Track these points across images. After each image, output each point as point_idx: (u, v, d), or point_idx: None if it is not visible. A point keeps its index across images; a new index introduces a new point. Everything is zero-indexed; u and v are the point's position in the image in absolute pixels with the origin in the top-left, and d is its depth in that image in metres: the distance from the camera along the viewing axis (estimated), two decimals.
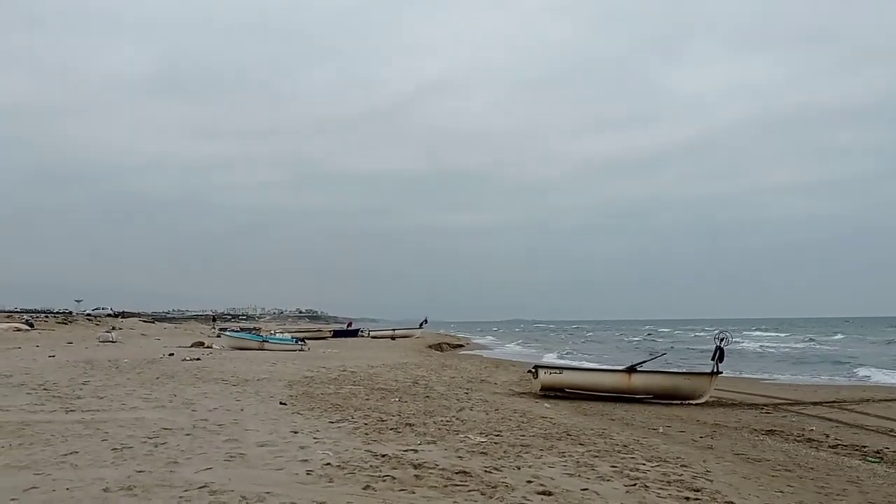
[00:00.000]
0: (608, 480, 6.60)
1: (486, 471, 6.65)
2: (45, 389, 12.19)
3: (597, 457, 7.84)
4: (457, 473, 6.43)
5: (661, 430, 11.05)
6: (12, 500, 5.17)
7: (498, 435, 9.00)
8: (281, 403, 11.31)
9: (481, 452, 7.65)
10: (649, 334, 76.89)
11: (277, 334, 44.08)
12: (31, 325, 53.23)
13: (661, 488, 6.39)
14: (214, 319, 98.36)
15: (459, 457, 7.31)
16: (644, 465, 7.55)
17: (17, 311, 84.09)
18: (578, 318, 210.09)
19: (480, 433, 9.03)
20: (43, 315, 79.75)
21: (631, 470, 7.17)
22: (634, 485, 6.45)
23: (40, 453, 6.83)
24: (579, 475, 6.75)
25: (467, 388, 15.25)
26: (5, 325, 48.82)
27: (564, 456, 7.76)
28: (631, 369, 16.09)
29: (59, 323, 65.69)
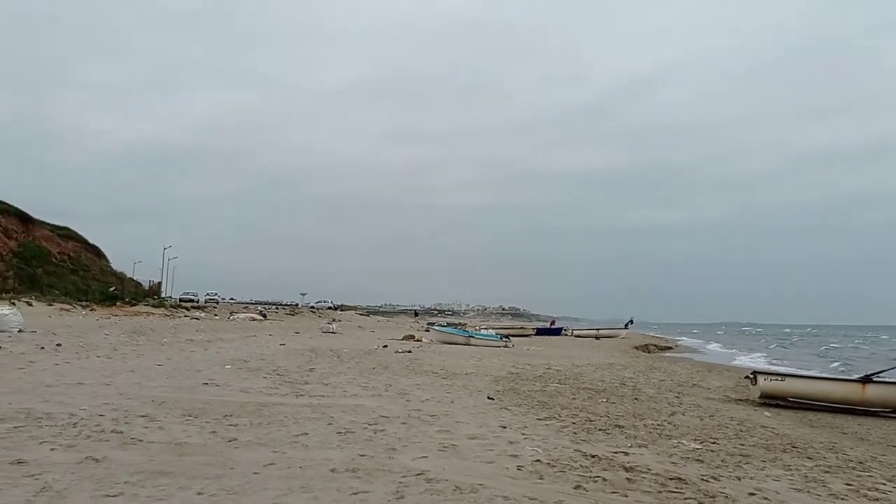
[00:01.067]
0: (842, 499, 6.07)
1: (702, 479, 6.37)
2: (277, 375, 13.37)
3: (828, 472, 7.23)
4: (671, 479, 6.22)
5: None
6: (255, 473, 5.73)
7: (714, 442, 8.58)
8: (488, 398, 11.56)
9: (697, 459, 7.34)
10: (859, 341, 69.42)
11: (482, 330, 45.08)
12: (265, 316, 58.74)
13: None
14: (416, 314, 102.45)
15: (673, 462, 7.06)
16: (885, 484, 6.85)
17: (252, 303, 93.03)
18: (792, 322, 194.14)
19: (695, 439, 8.66)
20: (273, 307, 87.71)
21: (869, 489, 6.53)
22: None
23: (276, 433, 7.51)
24: (808, 491, 6.26)
25: (678, 392, 14.68)
26: (243, 315, 54.29)
27: (790, 469, 7.24)
28: (866, 379, 14.64)
29: (287, 314, 71.90)
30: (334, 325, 42.72)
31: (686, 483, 6.14)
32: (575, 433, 8.47)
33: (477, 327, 54.67)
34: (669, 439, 8.52)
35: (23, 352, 15.07)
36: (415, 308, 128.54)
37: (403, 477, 5.78)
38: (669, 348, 50.92)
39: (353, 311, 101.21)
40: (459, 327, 48.02)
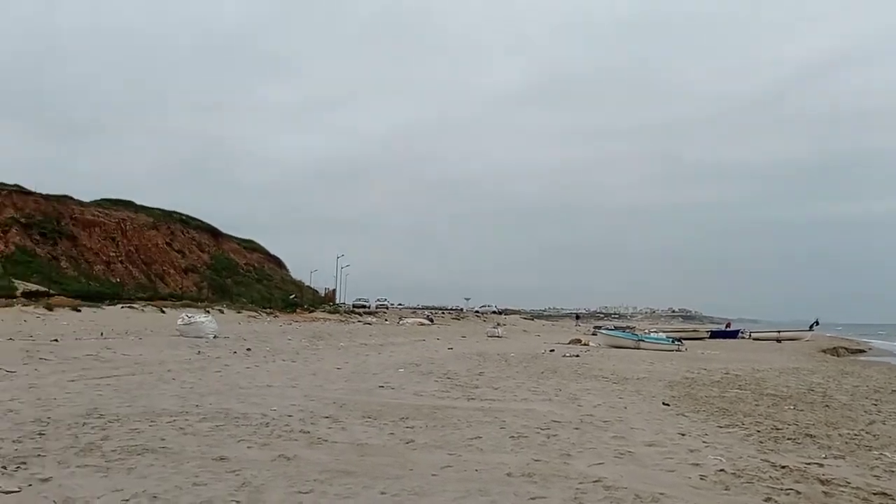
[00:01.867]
0: None
1: None
2: (448, 378, 13.66)
3: None
4: (875, 494, 5.70)
5: None
6: (433, 474, 5.87)
7: None
8: (664, 404, 11.17)
9: None
10: None
11: (652, 333, 43.67)
12: (432, 321, 60.25)
13: None
14: (578, 318, 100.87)
15: (876, 476, 6.47)
16: None
17: (419, 308, 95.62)
18: None
19: None
20: (440, 311, 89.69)
21: None
22: None
23: (450, 435, 7.66)
24: None
25: (875, 399, 13.43)
26: (412, 320, 56.01)
27: None
28: None
29: (452, 319, 73.34)
30: (500, 330, 43.07)
31: (892, 499, 5.60)
32: (761, 442, 7.98)
33: (646, 330, 53.04)
34: (869, 450, 7.82)
35: (218, 356, 16.41)
36: (577, 312, 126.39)
37: (580, 483, 5.70)
38: (861, 351, 46.81)
39: (516, 316, 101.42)
40: (628, 330, 46.85)
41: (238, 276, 67.12)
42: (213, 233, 71.37)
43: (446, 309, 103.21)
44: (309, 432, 7.47)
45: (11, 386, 9.99)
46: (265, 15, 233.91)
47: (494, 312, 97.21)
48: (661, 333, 43.99)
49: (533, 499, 5.25)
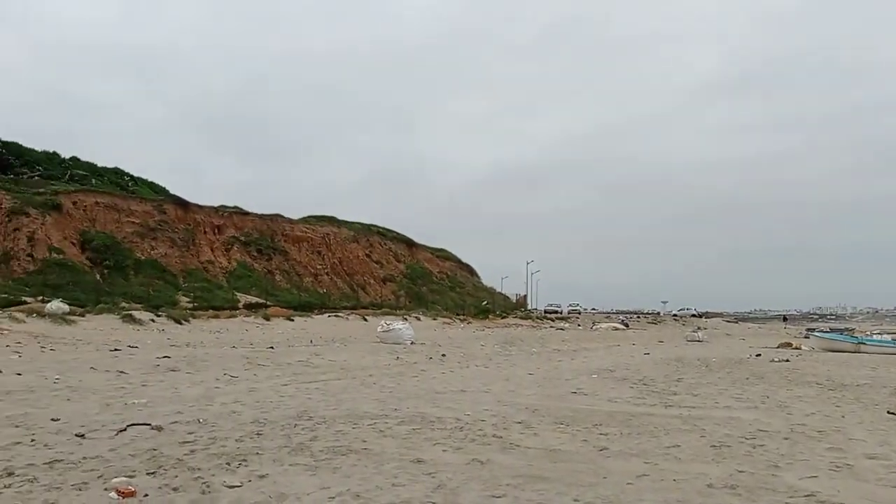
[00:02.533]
0: None
1: None
2: (644, 384, 13.24)
3: None
4: None
5: None
6: (628, 483, 5.72)
7: None
8: (888, 413, 10.11)
9: None
10: None
11: (875, 336, 39.67)
12: (627, 325, 58.83)
13: None
14: (785, 319, 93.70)
15: None
16: None
17: (613, 313, 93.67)
18: None
19: None
20: (635, 316, 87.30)
21: None
22: None
23: (646, 443, 7.42)
24: None
25: None
26: (606, 325, 54.99)
27: None
28: None
29: (648, 323, 71.08)
30: (700, 334, 41.11)
31: None
32: None
33: (868, 332, 48.30)
34: None
35: (415, 361, 17.07)
36: (783, 313, 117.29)
37: (790, 497, 5.30)
38: None
39: (718, 318, 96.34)
40: (846, 333, 42.96)
41: (432, 284, 69.47)
42: (408, 243, 74.49)
43: (642, 313, 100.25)
44: (501, 437, 7.56)
45: (234, 389, 11.03)
46: (448, 30, 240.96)
47: (694, 316, 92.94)
48: (885, 335, 39.88)
49: None
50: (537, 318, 63.12)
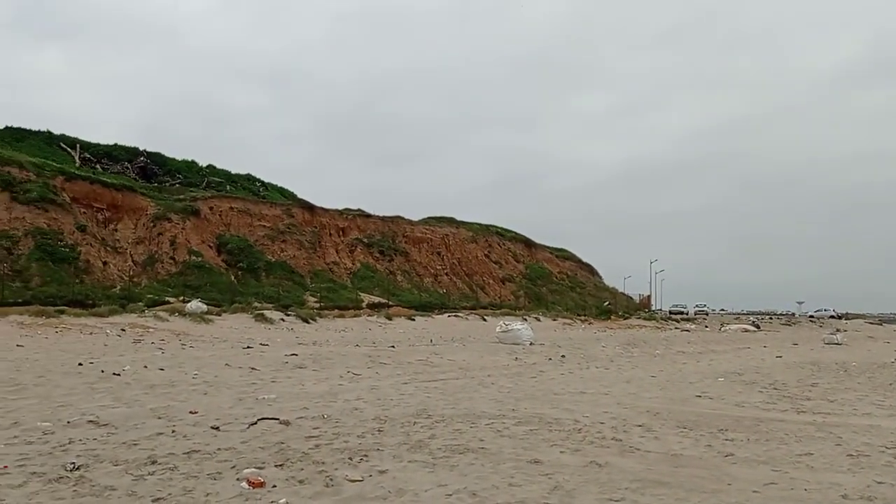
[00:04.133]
0: None
1: None
2: (774, 389, 12.63)
3: None
4: None
5: None
6: (754, 491, 5.49)
7: None
8: None
9: None
10: None
11: None
12: (758, 327, 56.18)
13: None
14: None
15: None
16: None
17: (743, 314, 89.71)
18: None
19: None
20: (767, 317, 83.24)
21: None
22: None
23: (775, 451, 7.09)
24: None
25: None
26: (735, 327, 52.73)
27: None
28: None
29: (782, 325, 67.58)
30: (838, 336, 38.65)
31: None
32: None
33: None
34: None
35: (534, 362, 17.01)
36: None
37: None
38: None
39: (860, 320, 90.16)
40: None
41: (552, 284, 68.93)
42: (527, 243, 74.25)
43: (775, 314, 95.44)
44: (621, 440, 7.44)
45: (357, 387, 11.38)
46: (565, 28, 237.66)
47: (832, 317, 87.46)
48: None
49: None
50: (661, 319, 61.33)
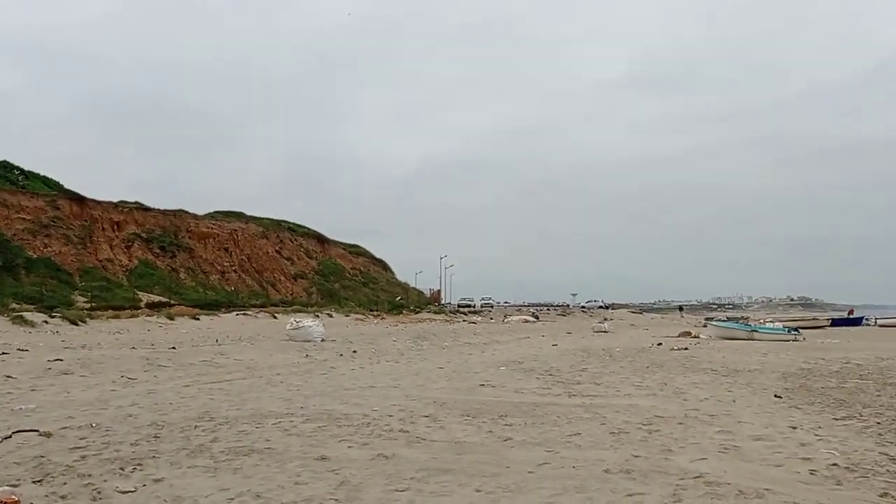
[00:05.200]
0: None
1: None
2: (550, 375, 13.54)
3: None
4: None
5: None
6: (529, 472, 5.85)
7: None
8: (776, 396, 10.70)
9: None
10: None
11: (767, 324, 41.84)
12: (537, 318, 59.95)
13: None
14: (681, 309, 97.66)
15: None
16: None
17: (524, 306, 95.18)
18: None
19: None
20: (545, 308, 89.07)
21: None
22: None
23: (549, 432, 7.60)
24: None
25: None
26: (517, 318, 55.89)
27: None
28: None
29: (558, 315, 72.68)
30: (606, 325, 42.34)
31: None
32: (880, 434, 7.52)
33: (761, 321, 50.85)
34: None
35: (325, 359, 16.90)
36: (680, 304, 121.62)
37: (681, 479, 5.54)
38: None
39: (624, 310, 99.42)
40: (741, 321, 45.09)
41: (345, 280, 68.88)
42: (320, 239, 73.60)
43: (552, 305, 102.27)
44: (408, 431, 7.59)
45: (132, 392, 10.63)
46: (362, 25, 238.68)
47: (601, 307, 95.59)
48: (776, 323, 42.14)
49: (630, 495, 5.15)
50: (450, 312, 63.53)
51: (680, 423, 8.14)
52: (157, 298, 41.56)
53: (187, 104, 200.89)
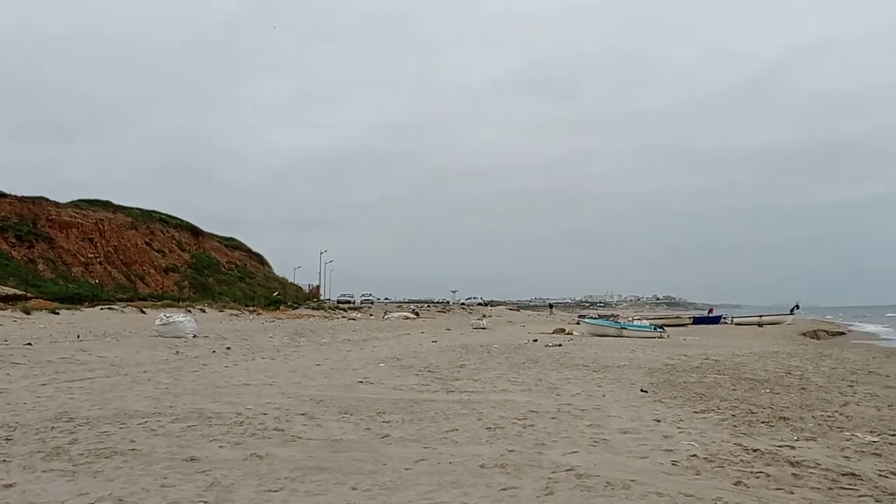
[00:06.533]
0: None
1: (880, 475, 5.83)
2: (429, 371, 13.61)
3: None
4: (844, 475, 5.74)
5: None
6: (406, 468, 5.84)
7: (894, 435, 7.84)
8: (642, 391, 11.21)
9: (873, 453, 6.73)
10: None
11: (635, 321, 43.91)
12: (417, 314, 60.20)
13: None
14: (551, 307, 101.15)
15: (846, 457, 6.52)
16: None
17: (405, 302, 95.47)
18: None
19: (871, 431, 7.95)
20: (426, 305, 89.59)
21: None
22: None
23: (427, 429, 7.63)
24: None
25: (851, 381, 13.56)
26: (397, 315, 55.92)
27: None
28: None
29: (438, 312, 73.25)
30: (485, 321, 43.10)
31: (861, 479, 5.64)
32: (735, 426, 8.02)
33: (630, 318, 53.28)
34: (841, 431, 7.87)
35: (196, 356, 16.26)
36: (550, 302, 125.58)
37: (553, 472, 5.69)
38: (842, 333, 47.32)
39: (503, 307, 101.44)
40: (612, 319, 47.07)
41: (220, 274, 66.61)
42: (194, 231, 70.75)
43: (433, 302, 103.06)
44: (283, 430, 7.41)
45: None
46: (250, 14, 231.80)
47: (480, 304, 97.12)
48: (643, 321, 44.31)
49: (504, 489, 5.23)
50: (330, 308, 62.71)
51: (553, 418, 8.37)
52: (12, 291, 38.66)
53: (52, 83, 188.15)
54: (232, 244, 76.12)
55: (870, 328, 57.90)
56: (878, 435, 7.75)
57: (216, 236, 74.13)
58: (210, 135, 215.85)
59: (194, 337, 22.12)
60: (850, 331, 51.64)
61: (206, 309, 41.75)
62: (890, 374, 16.40)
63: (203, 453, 6.26)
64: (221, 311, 42.80)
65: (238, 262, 73.52)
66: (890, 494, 5.23)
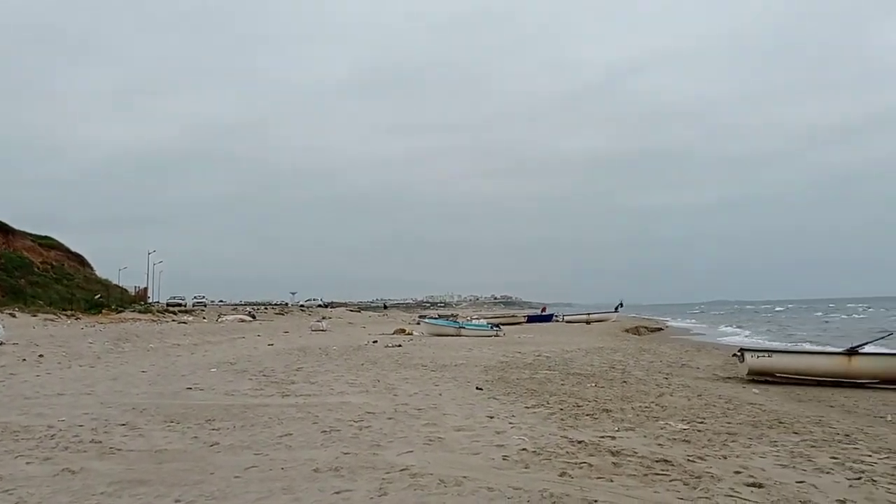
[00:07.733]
0: (828, 473, 6.02)
1: (688, 460, 6.32)
2: (264, 375, 13.21)
3: (814, 447, 7.20)
4: (657, 462, 6.16)
5: (889, 419, 9.97)
6: (236, 476, 5.61)
7: (701, 422, 8.54)
8: (477, 388, 11.48)
9: (683, 440, 7.29)
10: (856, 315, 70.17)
11: (474, 321, 45.05)
12: (254, 317, 58.48)
13: (891, 483, 5.72)
14: (385, 307, 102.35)
15: (660, 444, 7.01)
16: (870, 456, 6.82)
17: (241, 305, 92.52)
18: (785, 298, 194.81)
19: (682, 420, 8.62)
20: (263, 307, 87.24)
21: (854, 462, 6.50)
22: (859, 478, 5.83)
23: (259, 434, 7.39)
24: (794, 466, 6.22)
25: (667, 373, 14.66)
26: (232, 317, 54.02)
27: (776, 445, 7.20)
28: (852, 351, 14.66)
29: (276, 314, 71.58)
30: (324, 323, 42.55)
31: (672, 465, 6.08)
32: (562, 420, 8.40)
33: (468, 318, 54.58)
34: (657, 421, 8.47)
35: (3, 364, 14.84)
36: (384, 302, 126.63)
37: (387, 473, 5.68)
38: (660, 329, 51.09)
39: (343, 308, 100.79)
40: (451, 318, 48.00)
41: (33, 275, 61.20)
42: (4, 229, 64.74)
43: (270, 304, 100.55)
44: (101, 442, 6.91)
45: None
46: None
47: (320, 306, 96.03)
48: (481, 320, 45.58)
49: (338, 493, 5.16)
50: (158, 311, 59.48)
51: (390, 419, 8.37)
52: None
53: None
54: (48, 243, 70.23)
55: (683, 324, 62.91)
56: (688, 423, 8.41)
57: (29, 234, 68.16)
58: (20, 126, 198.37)
59: (1, 344, 20.19)
60: (667, 326, 55.82)
61: (17, 313, 38.34)
62: (700, 365, 17.91)
63: (7, 471, 5.70)
64: (34, 315, 39.48)
65: (55, 263, 67.96)
66: (696, 477, 5.66)
